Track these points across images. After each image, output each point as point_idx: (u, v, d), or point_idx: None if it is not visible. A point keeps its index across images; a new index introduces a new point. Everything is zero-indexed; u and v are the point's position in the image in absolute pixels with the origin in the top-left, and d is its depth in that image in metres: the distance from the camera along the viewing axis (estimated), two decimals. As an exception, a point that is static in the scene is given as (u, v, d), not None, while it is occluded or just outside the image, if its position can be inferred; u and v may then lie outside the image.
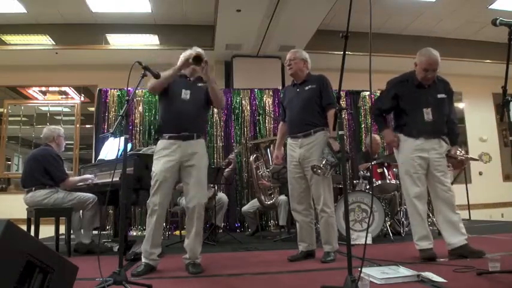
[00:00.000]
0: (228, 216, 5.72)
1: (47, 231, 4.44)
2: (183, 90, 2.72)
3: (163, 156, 2.65)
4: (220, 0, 5.23)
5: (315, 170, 2.77)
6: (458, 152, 2.88)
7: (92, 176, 3.82)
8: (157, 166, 2.64)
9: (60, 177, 3.60)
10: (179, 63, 2.72)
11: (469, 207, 6.68)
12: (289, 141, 3.09)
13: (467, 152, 3.12)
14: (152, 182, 2.62)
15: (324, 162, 2.75)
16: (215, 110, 6.18)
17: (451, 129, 2.88)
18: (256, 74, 6.82)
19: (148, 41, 6.81)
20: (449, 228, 2.70)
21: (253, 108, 6.29)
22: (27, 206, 3.64)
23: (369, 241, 3.81)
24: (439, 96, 2.83)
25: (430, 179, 2.80)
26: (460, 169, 3.00)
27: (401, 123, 2.91)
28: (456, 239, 2.67)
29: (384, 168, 4.31)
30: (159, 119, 2.87)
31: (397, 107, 2.92)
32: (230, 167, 5.09)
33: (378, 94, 6.62)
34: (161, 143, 2.70)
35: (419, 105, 2.81)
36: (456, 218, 2.71)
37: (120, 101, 6.06)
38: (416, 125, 2.80)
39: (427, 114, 2.79)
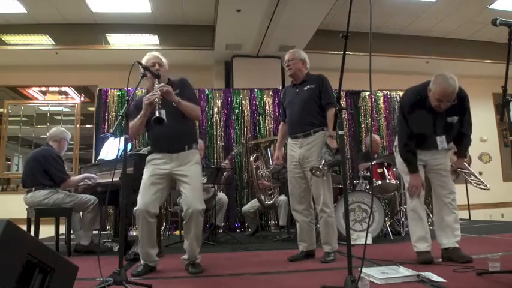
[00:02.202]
0: (228, 216, 5.72)
1: (47, 231, 4.45)
2: (157, 112, 2.57)
3: (154, 164, 2.65)
4: (220, 0, 5.24)
5: (313, 171, 2.77)
6: (464, 165, 2.74)
7: (96, 176, 3.82)
8: (147, 173, 2.64)
9: (60, 178, 3.60)
10: (143, 109, 2.55)
11: (469, 207, 6.69)
12: (289, 141, 3.09)
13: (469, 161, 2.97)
14: (140, 188, 2.61)
15: (322, 163, 2.74)
16: (215, 109, 6.19)
17: (460, 140, 2.73)
18: (256, 74, 6.83)
19: (148, 41, 6.81)
20: (443, 228, 2.67)
21: (253, 108, 6.29)
22: (27, 206, 3.64)
23: (369, 241, 3.80)
24: (450, 119, 2.60)
25: (431, 179, 2.77)
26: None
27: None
28: (447, 240, 2.64)
29: (384, 168, 4.31)
30: (148, 141, 2.85)
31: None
32: (227, 169, 5.10)
33: (378, 94, 6.69)
34: (153, 155, 2.70)
35: (429, 131, 2.63)
36: (451, 219, 2.65)
37: (120, 101, 6.06)
38: (422, 143, 2.67)
39: (441, 142, 2.61)
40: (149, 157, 2.71)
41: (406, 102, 2.70)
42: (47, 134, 3.90)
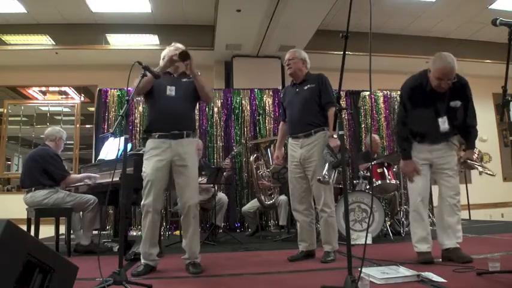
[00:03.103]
0: (228, 216, 5.71)
1: (47, 231, 4.45)
2: (168, 87, 2.69)
3: (154, 155, 2.63)
4: (220, 0, 5.24)
5: (321, 181, 2.68)
6: (475, 156, 2.71)
7: (97, 175, 3.81)
8: (148, 166, 2.62)
9: (60, 176, 3.60)
10: (163, 62, 2.69)
11: (469, 207, 6.69)
12: (290, 141, 3.09)
13: (481, 158, 2.94)
14: (144, 183, 2.60)
15: (326, 168, 2.68)
16: (215, 109, 6.19)
17: (467, 132, 2.71)
18: (256, 74, 6.83)
19: (148, 41, 6.81)
20: (444, 229, 2.66)
21: (253, 108, 6.29)
22: (27, 206, 3.64)
23: (369, 241, 3.80)
24: (452, 104, 2.63)
25: (437, 178, 2.73)
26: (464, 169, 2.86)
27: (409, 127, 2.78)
28: (448, 241, 2.63)
29: (384, 168, 4.31)
30: (147, 119, 2.85)
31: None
32: (227, 169, 5.10)
33: (378, 94, 6.69)
34: (151, 142, 2.68)
35: (431, 114, 2.64)
36: (454, 220, 2.64)
37: (120, 101, 6.05)
38: (425, 131, 2.68)
39: (443, 123, 2.62)
40: (148, 145, 2.69)
41: (406, 86, 2.75)
42: (44, 134, 3.88)
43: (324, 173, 2.65)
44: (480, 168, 2.83)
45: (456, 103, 2.63)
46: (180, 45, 2.81)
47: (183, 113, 2.70)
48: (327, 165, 2.67)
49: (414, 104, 2.70)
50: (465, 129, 2.72)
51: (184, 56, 2.56)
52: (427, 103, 2.65)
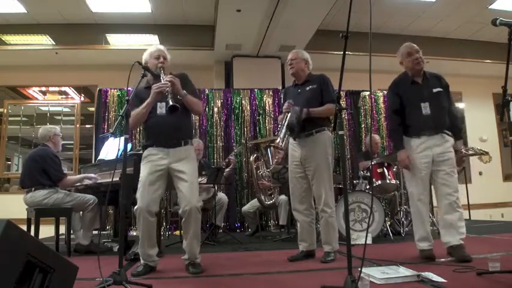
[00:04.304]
0: (228, 216, 5.72)
1: (47, 231, 4.45)
2: (158, 104, 2.66)
3: (151, 161, 2.63)
4: (220, 0, 5.24)
5: (278, 147, 2.83)
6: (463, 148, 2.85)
7: (95, 175, 3.81)
8: (144, 171, 2.62)
9: (57, 177, 3.60)
10: (152, 95, 2.61)
11: (469, 207, 6.69)
12: (291, 141, 3.08)
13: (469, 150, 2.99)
14: (138, 186, 2.61)
15: (282, 133, 2.77)
16: (215, 109, 6.20)
17: (452, 122, 2.83)
18: (256, 74, 6.83)
19: (148, 41, 6.81)
20: (446, 227, 2.69)
21: (253, 108, 6.29)
22: (27, 206, 3.64)
23: (369, 241, 3.80)
24: (435, 90, 2.81)
25: (435, 177, 2.76)
26: (461, 166, 2.94)
27: (403, 124, 2.88)
28: (451, 237, 2.66)
29: (384, 168, 4.31)
30: (143, 136, 2.85)
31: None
32: (230, 166, 5.08)
33: (378, 94, 6.69)
34: (149, 150, 2.69)
35: (416, 101, 2.79)
36: (455, 217, 2.66)
37: (120, 101, 6.06)
38: (416, 121, 2.78)
39: (425, 108, 2.76)
40: (145, 153, 2.70)
41: (391, 84, 3.02)
42: (38, 136, 3.85)
43: (280, 138, 2.73)
44: (475, 155, 2.87)
45: (438, 89, 2.83)
46: (161, 47, 2.78)
47: (178, 126, 2.68)
48: (283, 130, 2.75)
49: (401, 98, 2.87)
50: (451, 120, 2.85)
51: (173, 109, 2.47)
52: (410, 93, 2.85)
